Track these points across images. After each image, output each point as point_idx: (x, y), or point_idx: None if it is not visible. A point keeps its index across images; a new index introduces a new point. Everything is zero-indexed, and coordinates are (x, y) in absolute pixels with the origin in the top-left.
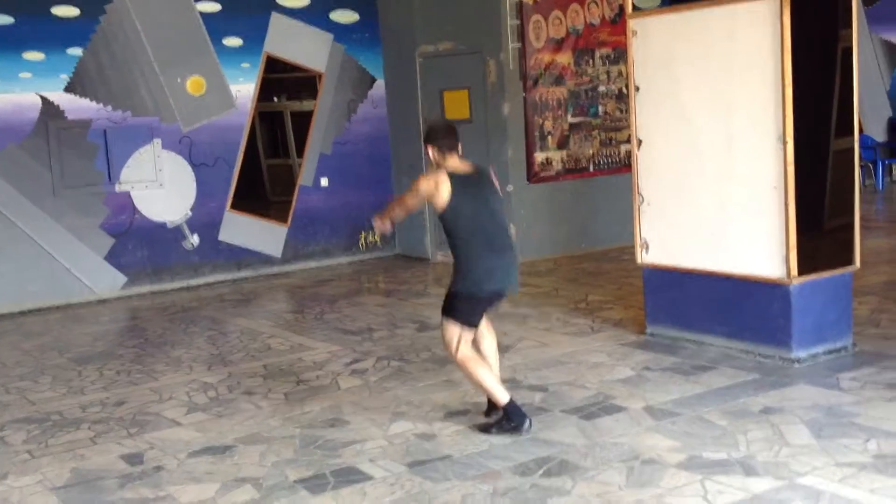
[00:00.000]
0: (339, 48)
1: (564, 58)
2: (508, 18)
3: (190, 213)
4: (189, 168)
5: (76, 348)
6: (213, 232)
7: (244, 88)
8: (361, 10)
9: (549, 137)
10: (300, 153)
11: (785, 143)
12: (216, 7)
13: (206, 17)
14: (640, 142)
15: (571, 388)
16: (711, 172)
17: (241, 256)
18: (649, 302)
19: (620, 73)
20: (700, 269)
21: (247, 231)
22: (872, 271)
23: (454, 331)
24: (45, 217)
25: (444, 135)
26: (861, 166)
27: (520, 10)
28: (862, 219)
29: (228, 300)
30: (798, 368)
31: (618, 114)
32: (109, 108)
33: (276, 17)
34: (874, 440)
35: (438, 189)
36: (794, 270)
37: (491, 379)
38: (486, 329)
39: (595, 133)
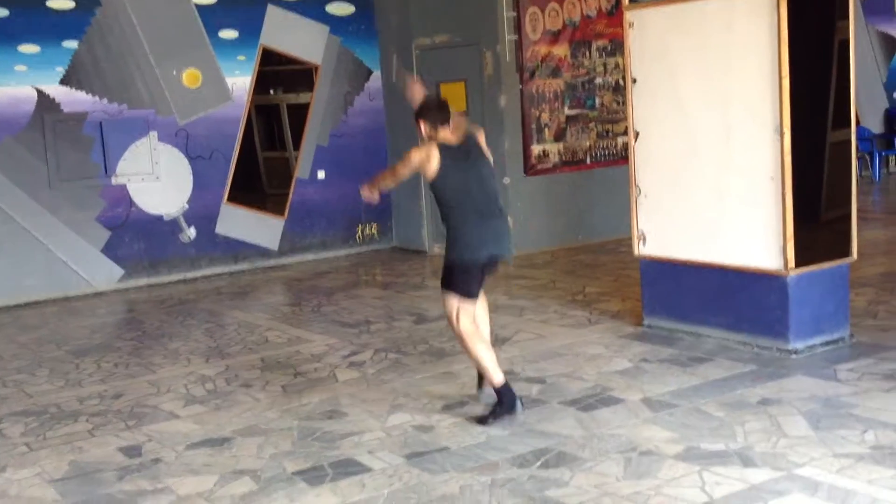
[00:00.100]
0: (335, 40)
1: (561, 50)
2: (505, 10)
3: (187, 206)
4: (185, 161)
5: (73, 341)
6: (210, 225)
7: (240, 81)
8: (357, 2)
9: (546, 130)
10: (297, 146)
11: (782, 134)
12: None
13: (201, 9)
14: (637, 134)
15: (569, 380)
16: (709, 164)
17: (238, 249)
18: (646, 293)
19: (617, 65)
20: (697, 260)
21: (244, 224)
22: (869, 263)
23: (453, 303)
24: (41, 210)
25: (435, 109)
26: (858, 158)
27: (516, 2)
28: (859, 210)
29: (225, 293)
30: (795, 360)
31: (615, 106)
32: (105, 100)
33: (271, 10)
34: (871, 431)
35: (430, 159)
36: (792, 262)
37: (488, 357)
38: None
39: (592, 125)
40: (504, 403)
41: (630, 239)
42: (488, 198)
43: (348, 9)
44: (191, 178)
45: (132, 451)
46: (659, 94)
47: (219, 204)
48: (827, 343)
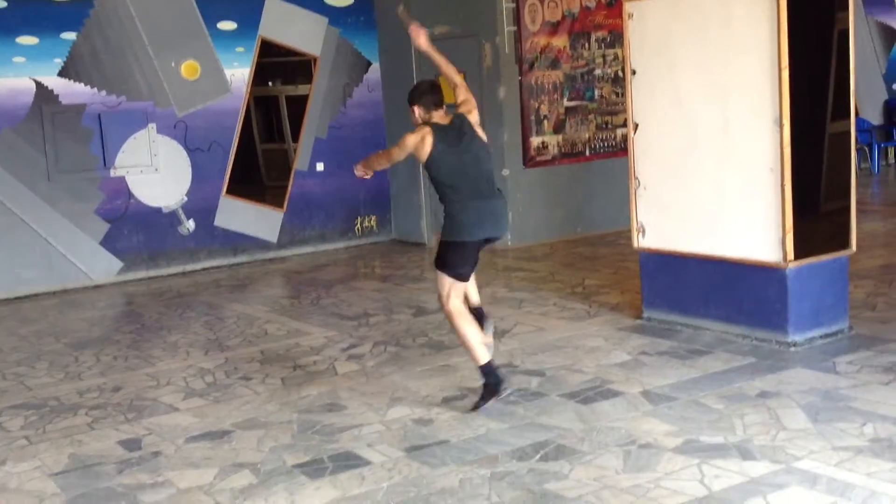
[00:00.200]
0: (334, 32)
1: (560, 41)
2: (504, 2)
3: (185, 198)
4: (184, 153)
5: (73, 334)
6: (208, 217)
7: (239, 73)
8: None
9: (546, 121)
10: (295, 138)
11: (781, 125)
12: None
13: (200, 0)
14: (636, 125)
15: (568, 373)
16: (708, 156)
17: (237, 241)
18: (646, 286)
19: (616, 57)
20: (696, 253)
21: (243, 216)
22: (868, 255)
23: (445, 282)
24: (40, 202)
25: (429, 93)
26: (857, 149)
27: None
28: (858, 202)
29: (225, 285)
30: (794, 352)
31: (614, 97)
32: (104, 92)
33: (270, 1)
34: (870, 424)
35: (424, 142)
36: (791, 254)
37: (475, 337)
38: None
39: (591, 117)
40: (488, 385)
41: (629, 231)
42: (484, 178)
43: (347, 0)
44: (189, 170)
45: (132, 444)
46: (658, 86)
47: (218, 196)
48: (826, 335)
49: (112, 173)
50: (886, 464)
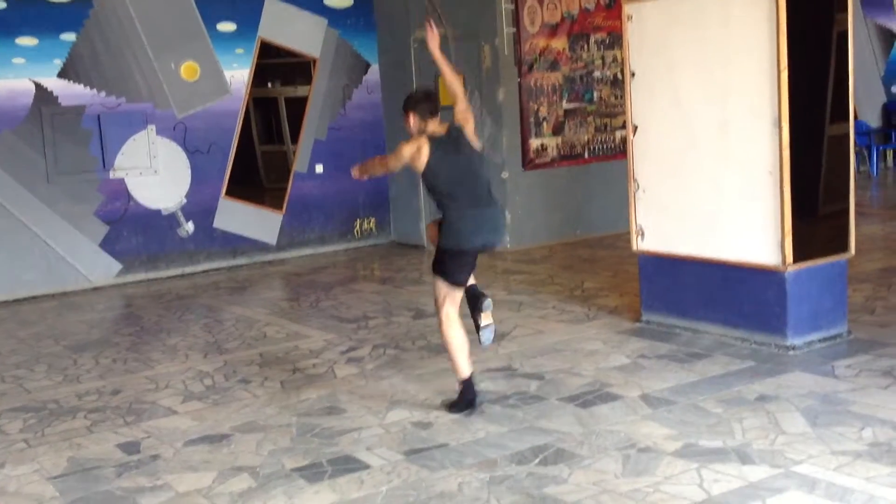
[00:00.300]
0: (333, 33)
1: (559, 43)
2: (503, 3)
3: (185, 200)
4: (183, 154)
5: (71, 336)
6: (207, 219)
7: (238, 74)
8: None
9: (545, 123)
10: (295, 139)
11: (780, 127)
12: None
13: (199, 1)
14: (635, 128)
15: (567, 376)
16: (707, 158)
17: (236, 244)
18: (645, 289)
19: (615, 59)
20: (695, 256)
21: (242, 218)
22: (867, 258)
23: (442, 289)
24: (39, 204)
25: (423, 101)
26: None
27: None
28: (856, 205)
29: (224, 288)
30: (793, 356)
31: (613, 99)
32: (103, 93)
33: (269, 2)
34: (869, 428)
35: (420, 152)
36: (790, 257)
37: (462, 350)
38: None
39: (590, 119)
40: (463, 400)
41: (628, 234)
42: (480, 186)
43: (346, 1)
44: (189, 172)
45: (131, 447)
46: (657, 88)
47: (217, 198)
48: (825, 339)
49: (111, 175)
50: (885, 468)
